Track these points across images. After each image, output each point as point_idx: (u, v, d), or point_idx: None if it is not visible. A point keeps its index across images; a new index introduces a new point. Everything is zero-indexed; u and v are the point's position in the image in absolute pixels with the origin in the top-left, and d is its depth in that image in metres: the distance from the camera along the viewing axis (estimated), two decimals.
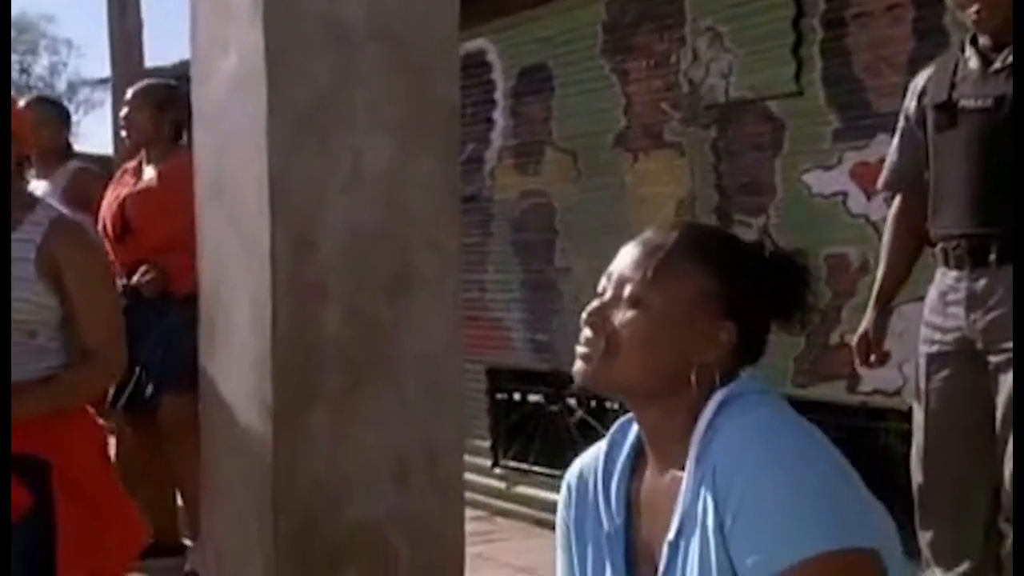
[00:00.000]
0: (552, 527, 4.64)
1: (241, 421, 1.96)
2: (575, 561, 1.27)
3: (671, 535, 1.11)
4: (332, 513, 1.94)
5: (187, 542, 3.66)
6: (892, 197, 2.75)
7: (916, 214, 2.59)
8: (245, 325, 1.96)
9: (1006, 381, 2.31)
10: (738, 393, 1.14)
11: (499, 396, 4.76)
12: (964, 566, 2.43)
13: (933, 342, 2.48)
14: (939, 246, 2.50)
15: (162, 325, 3.40)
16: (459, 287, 2.15)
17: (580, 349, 1.19)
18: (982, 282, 2.38)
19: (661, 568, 1.11)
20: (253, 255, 1.96)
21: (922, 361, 2.50)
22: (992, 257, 2.36)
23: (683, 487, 1.11)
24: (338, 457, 1.95)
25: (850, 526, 1.05)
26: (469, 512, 2.21)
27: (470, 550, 2.19)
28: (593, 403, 4.32)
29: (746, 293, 1.18)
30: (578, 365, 1.19)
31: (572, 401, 4.43)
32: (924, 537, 2.48)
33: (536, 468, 4.53)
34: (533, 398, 4.67)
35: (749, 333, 1.18)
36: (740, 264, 1.19)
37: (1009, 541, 2.38)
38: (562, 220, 4.40)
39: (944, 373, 2.45)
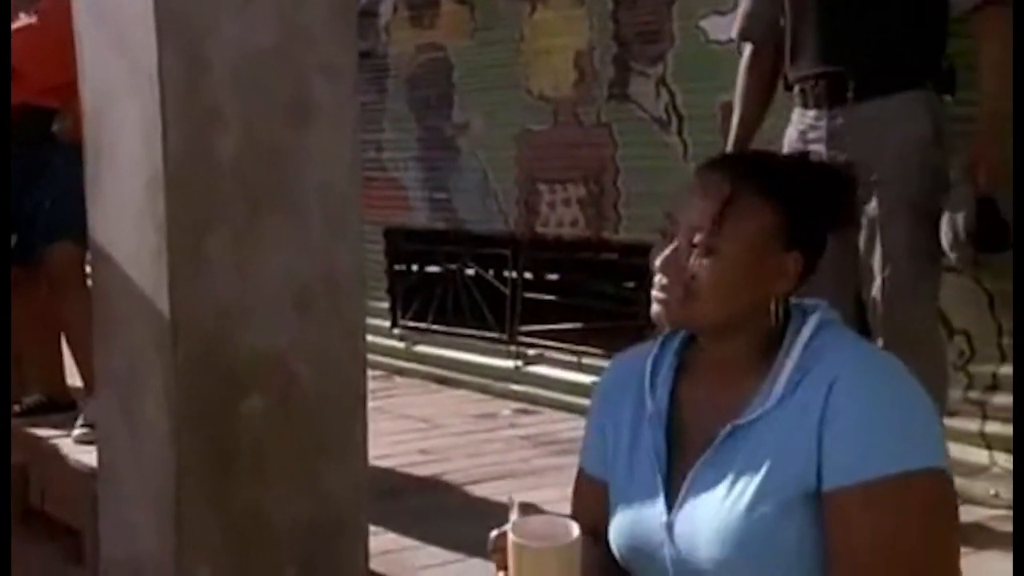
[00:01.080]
0: (450, 384, 4.58)
1: (134, 246, 1.90)
2: (609, 439, 1.35)
3: (740, 420, 1.22)
4: (233, 341, 1.91)
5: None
6: (745, 45, 2.75)
7: (768, 63, 2.65)
8: (135, 148, 1.88)
9: (866, 210, 2.38)
10: (830, 320, 1.26)
11: (397, 257, 4.73)
12: None
13: None
14: (796, 88, 2.53)
15: (47, 173, 3.27)
16: (358, 115, 2.10)
17: (657, 294, 1.26)
18: (840, 119, 2.42)
19: (717, 441, 1.22)
20: (141, 76, 1.87)
21: None
22: (850, 94, 2.41)
23: (771, 389, 1.21)
24: (238, 285, 1.91)
25: (940, 451, 1.19)
26: (368, 372, 2.19)
27: (370, 405, 2.18)
28: (491, 271, 4.33)
29: (807, 220, 1.27)
30: (656, 308, 1.27)
31: (470, 262, 4.43)
32: None
33: (435, 327, 4.53)
34: (431, 258, 4.66)
35: (812, 257, 1.29)
36: (798, 192, 1.27)
37: None
38: (459, 75, 4.32)
39: None
